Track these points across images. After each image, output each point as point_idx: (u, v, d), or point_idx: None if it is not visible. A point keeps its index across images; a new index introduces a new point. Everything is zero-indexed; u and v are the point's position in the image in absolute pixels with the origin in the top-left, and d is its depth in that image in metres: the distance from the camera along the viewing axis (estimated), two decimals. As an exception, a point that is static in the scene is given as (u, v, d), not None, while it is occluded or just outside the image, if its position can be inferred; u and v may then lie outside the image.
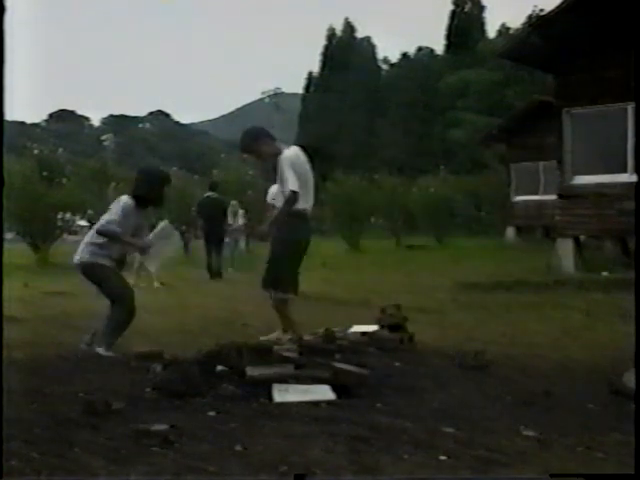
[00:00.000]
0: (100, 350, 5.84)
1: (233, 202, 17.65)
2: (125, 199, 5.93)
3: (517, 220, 27.67)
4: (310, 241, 6.34)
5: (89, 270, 6.00)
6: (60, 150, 25.64)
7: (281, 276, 6.17)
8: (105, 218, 5.92)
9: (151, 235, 6.20)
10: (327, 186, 28.53)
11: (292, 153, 6.13)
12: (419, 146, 64.11)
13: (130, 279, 12.38)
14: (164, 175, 6.37)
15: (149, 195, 6.02)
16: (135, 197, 5.97)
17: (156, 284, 12.47)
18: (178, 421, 3.77)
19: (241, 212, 17.94)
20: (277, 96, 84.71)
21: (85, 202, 22.29)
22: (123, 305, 6.00)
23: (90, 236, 6.05)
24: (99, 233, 5.88)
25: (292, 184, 5.89)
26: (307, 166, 6.17)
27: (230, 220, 16.60)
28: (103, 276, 6.02)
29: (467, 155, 51.74)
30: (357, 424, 3.75)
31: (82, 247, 6.05)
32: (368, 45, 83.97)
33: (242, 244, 18.50)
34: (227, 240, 16.08)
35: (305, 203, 6.07)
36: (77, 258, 6.06)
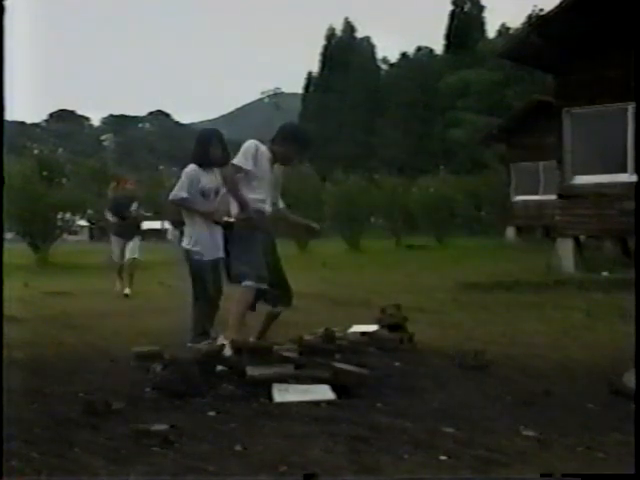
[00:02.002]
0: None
1: None
2: (189, 166, 5.88)
3: (517, 220, 27.66)
4: None
5: None
6: (60, 150, 25.69)
7: None
8: (174, 189, 5.87)
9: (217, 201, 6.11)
10: (327, 186, 28.50)
11: None
12: (419, 146, 64.17)
13: (117, 284, 11.34)
14: (211, 132, 6.25)
15: (203, 155, 5.91)
16: (195, 162, 5.90)
17: (127, 290, 11.09)
18: (178, 421, 3.77)
19: None
20: (277, 96, 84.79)
21: (85, 202, 22.28)
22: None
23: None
24: (171, 202, 5.85)
25: None
26: None
27: None
28: None
29: (467, 155, 51.79)
30: (357, 424, 3.75)
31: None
32: (368, 45, 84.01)
33: None
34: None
35: None
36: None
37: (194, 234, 5.82)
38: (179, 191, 5.79)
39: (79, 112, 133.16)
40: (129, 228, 11.57)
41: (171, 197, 5.85)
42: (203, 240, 5.79)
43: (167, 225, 38.11)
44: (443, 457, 3.25)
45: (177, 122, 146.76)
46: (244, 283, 5.36)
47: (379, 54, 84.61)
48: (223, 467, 3.14)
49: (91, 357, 5.84)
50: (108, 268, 12.82)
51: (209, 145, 5.95)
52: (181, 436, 3.54)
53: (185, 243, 5.86)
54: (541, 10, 40.08)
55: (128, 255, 11.44)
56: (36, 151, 23.04)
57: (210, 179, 5.91)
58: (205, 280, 5.79)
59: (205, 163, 5.91)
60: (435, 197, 29.42)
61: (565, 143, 13.55)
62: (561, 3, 12.60)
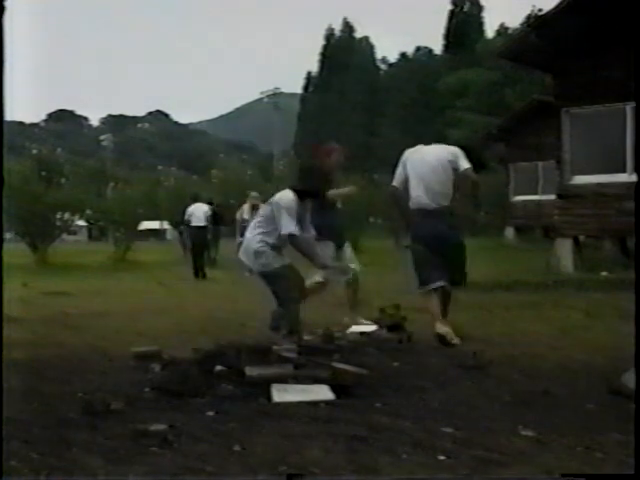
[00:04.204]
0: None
1: (253, 194, 16.27)
2: (289, 195, 5.89)
3: (516, 220, 27.67)
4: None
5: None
6: (59, 150, 25.66)
7: None
8: (283, 224, 5.77)
9: (333, 264, 6.32)
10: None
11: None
12: (418, 146, 64.07)
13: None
14: (324, 170, 6.31)
15: (309, 189, 6.00)
16: (296, 190, 5.93)
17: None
18: (177, 421, 3.77)
19: (263, 207, 15.98)
20: (276, 96, 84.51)
21: (84, 202, 22.30)
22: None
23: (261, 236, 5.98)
24: (292, 244, 5.84)
25: None
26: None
27: (246, 215, 15.39)
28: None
29: (466, 155, 51.70)
30: (356, 424, 3.75)
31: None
32: (367, 45, 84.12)
33: None
34: (241, 239, 15.39)
35: None
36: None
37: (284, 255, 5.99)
38: (290, 225, 5.77)
39: (78, 112, 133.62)
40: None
41: (285, 232, 5.78)
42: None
43: (166, 225, 38.09)
44: (442, 457, 3.25)
45: (176, 122, 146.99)
46: None
47: (378, 54, 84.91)
48: (222, 467, 3.13)
49: (90, 357, 5.84)
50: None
51: (319, 182, 6.10)
52: (180, 436, 3.53)
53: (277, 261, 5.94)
54: (540, 10, 40.16)
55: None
56: (35, 151, 23.09)
57: (304, 209, 6.04)
58: (290, 289, 5.91)
59: (306, 196, 5.99)
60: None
61: (564, 143, 13.56)
62: (560, 3, 12.61)
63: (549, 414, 4.00)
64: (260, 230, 6.01)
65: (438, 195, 6.43)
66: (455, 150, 6.61)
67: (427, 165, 6.48)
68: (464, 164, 6.51)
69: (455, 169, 6.49)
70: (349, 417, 3.88)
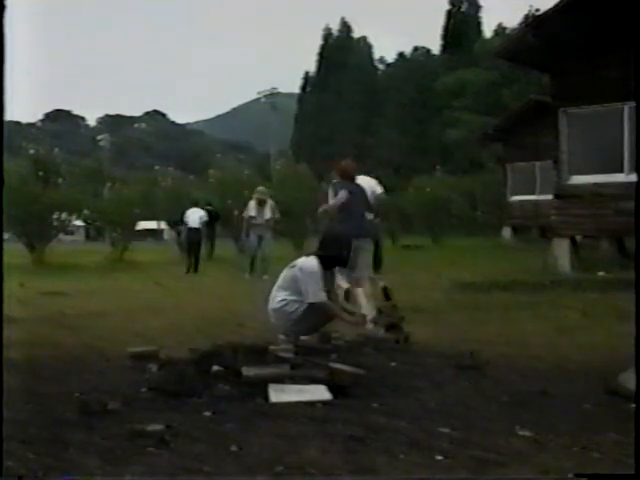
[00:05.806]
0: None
1: (260, 188, 15.72)
2: (315, 265, 5.96)
3: (513, 220, 27.68)
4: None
5: None
6: (56, 150, 25.48)
7: None
8: (310, 290, 5.86)
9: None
10: (323, 186, 28.54)
11: None
12: (415, 146, 64.18)
13: None
14: (348, 238, 6.42)
15: (334, 258, 6.16)
16: (320, 257, 6.04)
17: None
18: (174, 421, 3.77)
19: (271, 203, 15.07)
20: (273, 96, 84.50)
21: (81, 202, 22.24)
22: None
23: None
24: (318, 307, 5.90)
25: None
26: None
27: (252, 212, 14.79)
28: None
29: (463, 155, 51.82)
30: (353, 424, 3.75)
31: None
32: (364, 45, 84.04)
33: (267, 244, 14.79)
34: (244, 238, 15.34)
35: None
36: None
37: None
38: (320, 294, 5.88)
39: (75, 112, 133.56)
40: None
41: (315, 299, 5.86)
42: None
43: (163, 225, 38.02)
44: (439, 457, 3.25)
45: (173, 122, 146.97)
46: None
47: (376, 54, 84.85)
48: (219, 467, 3.13)
49: (87, 357, 5.83)
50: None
51: (345, 251, 6.21)
52: (177, 436, 3.53)
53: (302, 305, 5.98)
54: (537, 10, 40.18)
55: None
56: (32, 151, 22.89)
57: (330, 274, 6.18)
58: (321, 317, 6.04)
59: (330, 265, 6.14)
60: (431, 197, 29.40)
61: (561, 143, 13.56)
62: (557, 3, 12.61)
63: (546, 414, 4.00)
64: (285, 294, 6.04)
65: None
66: (374, 180, 8.90)
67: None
68: (379, 189, 8.88)
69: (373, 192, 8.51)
70: (346, 417, 3.88)
